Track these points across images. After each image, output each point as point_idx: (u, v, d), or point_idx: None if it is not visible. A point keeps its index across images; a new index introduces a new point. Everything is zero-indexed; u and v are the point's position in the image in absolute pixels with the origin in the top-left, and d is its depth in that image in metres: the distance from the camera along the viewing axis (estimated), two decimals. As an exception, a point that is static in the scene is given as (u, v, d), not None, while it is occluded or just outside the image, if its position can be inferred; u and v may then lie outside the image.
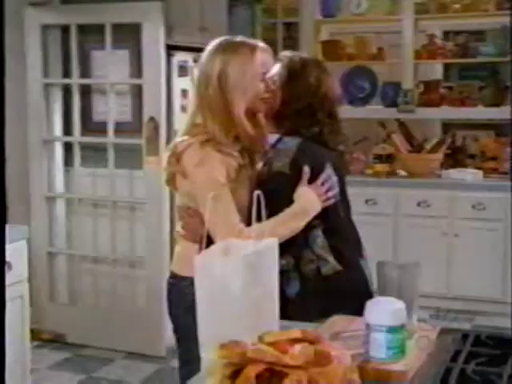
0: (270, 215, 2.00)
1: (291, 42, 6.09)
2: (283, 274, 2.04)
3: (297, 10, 6.00)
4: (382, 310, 1.60)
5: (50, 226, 4.75)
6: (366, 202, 5.28)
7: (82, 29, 4.52)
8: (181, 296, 2.38)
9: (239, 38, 2.38)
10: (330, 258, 2.28)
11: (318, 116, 2.35)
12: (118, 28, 4.40)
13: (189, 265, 2.34)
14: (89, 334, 4.61)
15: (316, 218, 2.26)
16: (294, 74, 2.38)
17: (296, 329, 1.50)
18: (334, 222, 2.35)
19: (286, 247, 2.06)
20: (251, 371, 1.39)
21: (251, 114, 2.33)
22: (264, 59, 2.35)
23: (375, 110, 5.87)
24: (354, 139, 5.90)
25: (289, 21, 6.10)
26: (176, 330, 2.44)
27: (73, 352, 4.55)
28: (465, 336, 1.76)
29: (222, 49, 2.32)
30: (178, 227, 2.43)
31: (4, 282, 1.40)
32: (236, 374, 1.42)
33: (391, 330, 1.58)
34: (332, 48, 5.97)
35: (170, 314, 2.44)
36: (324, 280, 2.26)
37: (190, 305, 2.34)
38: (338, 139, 2.42)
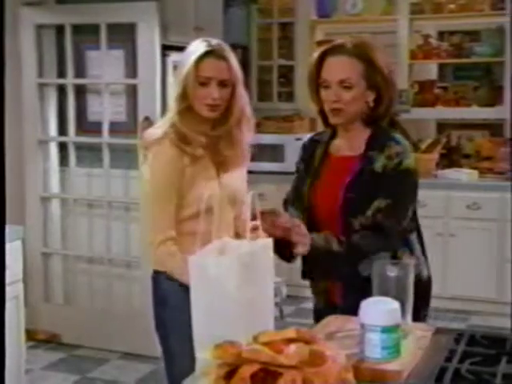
0: (392, 203, 2.10)
1: (286, 42, 6.10)
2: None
3: (292, 10, 6.00)
4: (377, 310, 1.60)
5: (44, 226, 4.75)
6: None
7: (77, 29, 4.51)
8: (155, 289, 2.42)
9: (207, 41, 2.45)
10: (426, 264, 2.29)
11: (395, 97, 2.32)
12: (112, 28, 4.39)
13: (162, 260, 2.40)
14: (84, 334, 4.60)
15: (415, 220, 2.27)
16: (377, 60, 2.20)
17: (290, 328, 1.50)
18: (418, 224, 2.33)
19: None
20: (246, 371, 1.39)
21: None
22: (213, 66, 2.36)
23: (370, 109, 5.86)
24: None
25: (284, 21, 6.10)
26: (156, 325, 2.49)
27: (68, 352, 4.54)
28: (460, 336, 1.76)
29: (204, 55, 2.40)
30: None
31: (4, 283, 1.40)
32: (231, 374, 1.42)
33: (386, 329, 1.59)
34: (327, 48, 5.97)
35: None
36: (423, 285, 2.21)
37: (163, 298, 2.39)
38: None
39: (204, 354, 1.44)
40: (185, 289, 2.33)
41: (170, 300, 2.39)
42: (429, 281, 2.30)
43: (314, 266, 2.22)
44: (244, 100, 2.46)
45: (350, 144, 2.27)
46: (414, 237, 2.26)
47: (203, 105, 2.35)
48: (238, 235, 2.22)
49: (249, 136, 2.48)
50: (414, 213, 2.26)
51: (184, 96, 2.35)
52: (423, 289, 2.19)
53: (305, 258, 2.24)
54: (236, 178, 2.45)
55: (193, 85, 2.34)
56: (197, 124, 2.37)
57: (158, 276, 2.43)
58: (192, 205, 2.30)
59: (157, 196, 2.35)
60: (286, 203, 2.39)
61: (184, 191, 2.34)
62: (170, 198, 2.33)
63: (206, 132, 2.39)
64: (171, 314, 2.39)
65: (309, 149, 2.40)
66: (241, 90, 2.44)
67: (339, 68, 2.18)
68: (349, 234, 2.18)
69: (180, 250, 2.32)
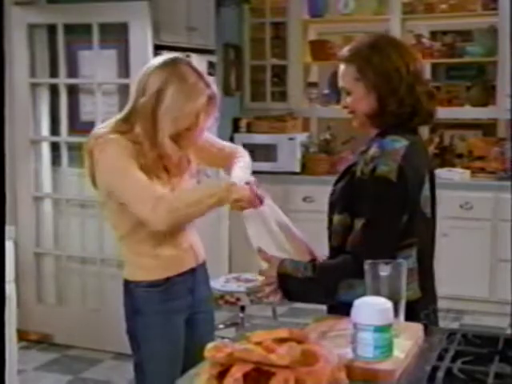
0: (369, 221, 1.98)
1: (279, 42, 6.10)
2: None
3: (285, 9, 6.00)
4: (370, 310, 1.60)
5: (37, 226, 4.74)
6: (354, 201, 5.28)
7: (69, 28, 4.50)
8: (127, 299, 2.41)
9: (193, 69, 2.28)
10: (414, 284, 2.03)
11: (419, 96, 2.09)
12: (105, 28, 4.38)
13: (136, 269, 2.36)
14: (76, 334, 4.59)
15: (414, 235, 2.03)
16: (373, 62, 2.10)
17: (283, 328, 1.50)
18: (428, 241, 2.15)
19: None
20: (238, 371, 1.39)
21: (178, 136, 2.27)
22: (210, 108, 2.26)
23: (363, 109, 5.87)
24: (342, 139, 5.93)
25: (277, 20, 6.09)
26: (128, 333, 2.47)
27: (60, 353, 4.54)
28: (452, 335, 1.77)
29: (174, 68, 2.25)
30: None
31: (4, 283, 1.40)
32: (223, 373, 1.42)
33: (378, 329, 1.58)
34: (320, 48, 5.98)
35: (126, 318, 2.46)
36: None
37: (136, 308, 2.37)
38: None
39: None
40: (158, 298, 2.35)
41: (143, 309, 2.36)
42: (413, 303, 1.96)
43: (291, 293, 2.11)
44: None
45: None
46: (405, 253, 2.02)
47: None
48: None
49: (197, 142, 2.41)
50: (410, 229, 2.02)
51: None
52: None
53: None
54: (186, 181, 2.39)
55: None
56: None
57: (129, 285, 2.39)
58: None
59: (124, 168, 2.21)
60: None
61: None
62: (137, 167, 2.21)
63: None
64: (143, 323, 2.37)
65: None
66: None
67: (340, 76, 2.17)
68: (330, 252, 2.14)
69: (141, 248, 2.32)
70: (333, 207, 2.17)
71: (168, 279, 2.35)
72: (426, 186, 2.09)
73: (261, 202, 2.26)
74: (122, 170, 2.22)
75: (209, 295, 2.59)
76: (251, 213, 2.24)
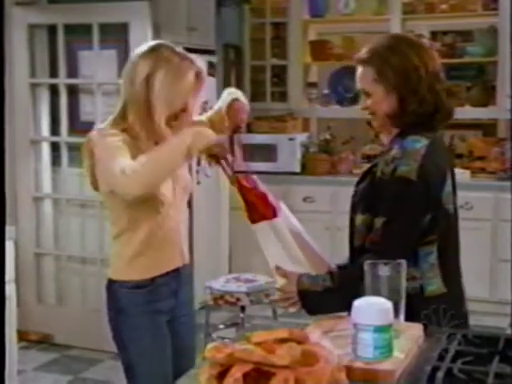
0: (389, 220, 1.99)
1: (279, 42, 6.10)
2: None
3: (285, 9, 6.00)
4: (370, 310, 1.60)
5: (37, 227, 4.74)
6: (354, 201, 5.28)
7: (69, 28, 4.50)
8: (110, 299, 2.41)
9: (175, 51, 2.31)
10: (437, 279, 2.07)
11: (440, 96, 2.10)
12: (105, 28, 4.38)
13: (120, 269, 2.37)
14: (76, 334, 4.59)
15: (435, 232, 2.06)
16: (391, 63, 2.10)
17: (283, 328, 1.50)
18: (451, 238, 2.17)
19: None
20: (238, 371, 1.39)
21: (175, 118, 2.30)
22: (198, 84, 2.29)
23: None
24: (342, 139, 5.93)
25: (277, 21, 6.09)
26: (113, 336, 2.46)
27: (60, 353, 4.54)
28: (452, 335, 1.77)
29: (151, 50, 2.29)
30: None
31: (4, 283, 1.40)
32: (223, 374, 1.42)
33: (378, 329, 1.58)
34: (320, 48, 5.98)
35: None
36: (425, 300, 2.05)
37: (119, 308, 2.37)
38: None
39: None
40: (142, 299, 2.36)
41: (128, 310, 2.37)
42: (437, 297, 2.07)
43: (312, 307, 2.13)
44: None
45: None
46: (426, 249, 2.07)
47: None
48: None
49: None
50: (433, 226, 2.06)
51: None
52: (425, 305, 2.06)
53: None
54: (183, 168, 2.42)
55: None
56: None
57: (113, 285, 2.40)
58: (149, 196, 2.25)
59: (113, 151, 2.20)
60: None
61: None
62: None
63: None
64: (128, 324, 2.38)
65: None
66: None
67: (358, 78, 2.18)
68: (350, 256, 2.15)
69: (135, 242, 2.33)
70: (355, 207, 2.17)
71: (153, 280, 2.36)
72: (448, 182, 2.11)
73: (233, 151, 2.24)
74: (111, 152, 2.22)
75: (191, 298, 2.59)
76: (264, 227, 2.18)
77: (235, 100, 2.48)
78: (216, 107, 2.53)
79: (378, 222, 2.03)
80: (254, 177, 2.27)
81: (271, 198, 2.23)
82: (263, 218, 2.18)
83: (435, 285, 2.06)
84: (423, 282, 2.06)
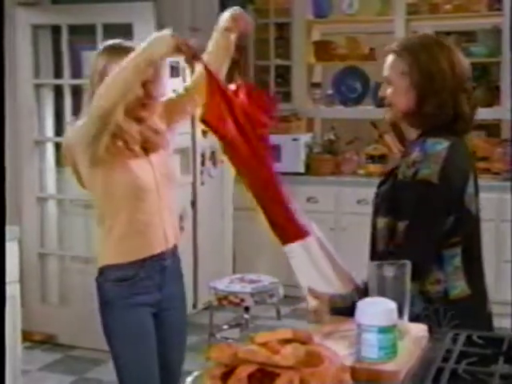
0: (411, 224, 1.98)
1: (283, 42, 6.10)
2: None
3: (289, 10, 6.00)
4: (374, 311, 1.60)
5: (41, 227, 4.74)
6: (359, 202, 5.28)
7: (73, 29, 4.50)
8: (99, 292, 2.51)
9: (129, 43, 2.47)
10: (461, 282, 2.07)
11: (462, 105, 2.10)
12: (109, 28, 4.38)
13: (106, 253, 2.47)
14: (80, 334, 4.59)
15: (459, 234, 2.06)
16: (421, 61, 2.09)
17: (287, 329, 1.50)
18: (474, 239, 2.16)
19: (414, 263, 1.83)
20: (243, 371, 1.39)
21: (143, 108, 2.39)
22: (154, 76, 2.38)
23: (367, 110, 5.87)
24: (346, 139, 5.93)
25: (280, 21, 6.09)
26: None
27: (64, 353, 4.54)
28: (456, 336, 1.76)
29: (109, 49, 2.46)
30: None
31: (4, 283, 1.40)
32: (228, 374, 1.42)
33: (383, 330, 1.58)
34: (324, 48, 5.98)
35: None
36: (449, 303, 2.04)
37: (107, 301, 2.43)
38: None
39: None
40: (126, 292, 2.43)
41: (113, 303, 2.46)
42: (462, 300, 2.07)
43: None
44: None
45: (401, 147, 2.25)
46: (451, 252, 2.06)
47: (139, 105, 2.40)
48: None
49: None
50: (456, 227, 2.04)
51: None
52: (449, 308, 2.05)
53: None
54: (163, 154, 2.52)
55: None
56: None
57: (99, 278, 2.49)
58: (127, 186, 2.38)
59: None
60: None
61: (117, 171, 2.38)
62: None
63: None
64: (113, 316, 2.47)
65: None
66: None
67: (385, 66, 2.17)
68: (372, 259, 2.13)
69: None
70: (377, 210, 2.16)
71: (138, 265, 2.43)
72: (470, 183, 2.10)
73: (196, 54, 2.30)
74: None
75: (180, 293, 2.63)
76: (297, 248, 2.09)
77: (234, 13, 2.63)
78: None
79: (401, 225, 2.03)
80: (288, 193, 2.17)
81: (301, 215, 2.15)
82: (296, 238, 2.08)
83: (459, 288, 2.06)
84: (447, 286, 2.06)
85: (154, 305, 2.49)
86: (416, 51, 2.10)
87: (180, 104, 2.60)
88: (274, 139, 6.75)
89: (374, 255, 2.15)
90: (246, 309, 3.98)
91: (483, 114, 5.63)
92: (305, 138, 5.87)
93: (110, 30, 4.40)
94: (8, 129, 4.43)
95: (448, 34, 5.93)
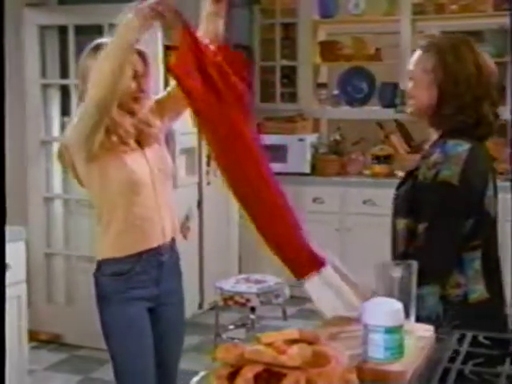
0: (431, 225, 1.98)
1: (289, 43, 6.10)
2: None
3: (295, 10, 6.00)
4: (380, 311, 1.60)
5: (47, 227, 4.75)
6: (364, 202, 5.28)
7: (80, 29, 4.51)
8: (96, 287, 2.52)
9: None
10: (481, 286, 2.07)
11: (484, 111, 2.10)
12: (115, 28, 4.38)
13: (104, 248, 2.47)
14: (86, 334, 4.59)
15: (479, 237, 2.07)
16: (447, 61, 2.08)
17: (293, 329, 1.50)
18: (492, 242, 2.17)
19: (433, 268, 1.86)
20: (249, 372, 1.39)
21: (135, 102, 2.43)
22: (133, 59, 2.41)
23: (373, 110, 5.87)
24: (352, 140, 5.92)
25: (287, 21, 6.09)
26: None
27: (70, 353, 4.55)
28: (463, 336, 1.76)
29: (95, 48, 2.46)
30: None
31: (4, 283, 1.40)
32: (234, 375, 1.42)
33: (389, 330, 1.58)
34: (330, 48, 5.98)
35: None
36: (468, 307, 2.05)
37: (103, 297, 2.45)
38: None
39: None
40: (122, 286, 2.44)
41: (109, 297, 2.47)
42: (480, 303, 2.08)
43: None
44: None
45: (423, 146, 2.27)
46: (471, 255, 2.07)
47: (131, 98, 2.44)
48: None
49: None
50: (476, 230, 2.06)
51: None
52: (468, 312, 2.05)
53: None
54: (158, 149, 2.55)
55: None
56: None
57: (96, 273, 2.50)
58: (122, 181, 2.40)
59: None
60: None
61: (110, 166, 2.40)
62: None
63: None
64: (109, 310, 2.48)
65: None
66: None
67: (412, 60, 2.17)
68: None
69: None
70: (397, 211, 2.15)
71: (132, 268, 2.43)
72: (490, 185, 2.11)
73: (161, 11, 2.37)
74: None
75: (177, 289, 2.64)
76: (314, 281, 2.00)
77: None
78: None
79: (421, 227, 2.02)
80: (304, 228, 2.07)
81: (315, 245, 2.04)
82: (312, 270, 1.98)
83: (478, 292, 2.06)
84: (467, 289, 2.06)
85: (150, 299, 2.50)
86: (443, 51, 2.09)
87: (171, 100, 2.60)
88: (280, 139, 6.78)
89: (396, 256, 2.13)
90: (252, 309, 3.98)
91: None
92: (311, 138, 5.87)
93: (117, 31, 4.40)
94: (15, 129, 4.45)
95: (454, 33, 5.93)
